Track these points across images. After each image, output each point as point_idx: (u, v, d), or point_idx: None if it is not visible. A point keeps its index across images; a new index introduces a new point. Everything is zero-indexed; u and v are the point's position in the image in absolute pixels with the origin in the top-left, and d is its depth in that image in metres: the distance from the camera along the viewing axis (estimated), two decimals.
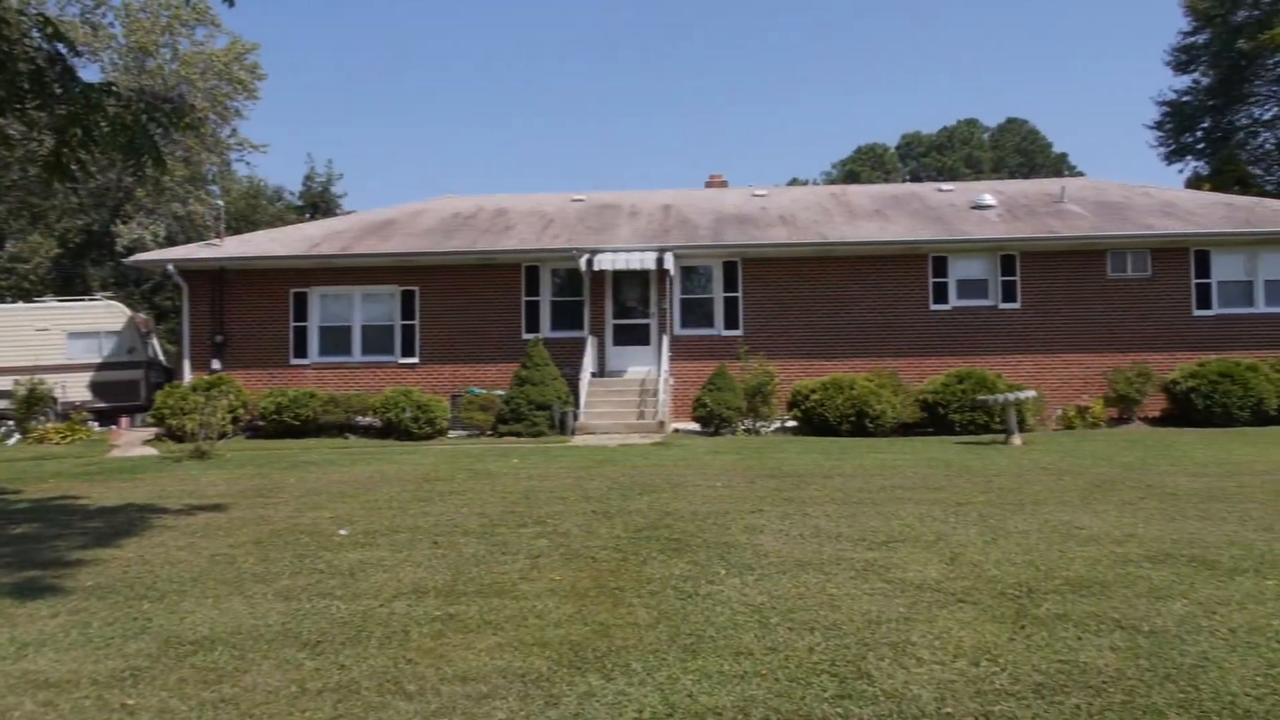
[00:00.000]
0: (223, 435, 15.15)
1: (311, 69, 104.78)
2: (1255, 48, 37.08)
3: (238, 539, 7.32)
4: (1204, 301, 18.96)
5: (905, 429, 17.09)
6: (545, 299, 19.75)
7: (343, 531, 7.50)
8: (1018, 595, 5.21)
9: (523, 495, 9.28)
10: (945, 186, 25.08)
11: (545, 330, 19.46)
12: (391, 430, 17.24)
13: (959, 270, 19.33)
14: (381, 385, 18.97)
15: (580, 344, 18.88)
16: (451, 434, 17.63)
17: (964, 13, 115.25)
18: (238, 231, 28.31)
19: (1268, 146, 40.45)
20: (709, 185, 26.32)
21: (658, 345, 19.08)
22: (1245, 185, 33.73)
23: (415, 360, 19.64)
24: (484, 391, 18.26)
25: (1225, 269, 19.06)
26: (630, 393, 18.04)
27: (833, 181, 65.36)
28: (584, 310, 19.55)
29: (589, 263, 18.49)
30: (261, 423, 17.87)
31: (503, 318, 19.68)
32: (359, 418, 17.85)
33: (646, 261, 18.44)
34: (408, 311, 19.81)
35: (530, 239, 20.01)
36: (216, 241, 21.00)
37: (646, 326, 19.61)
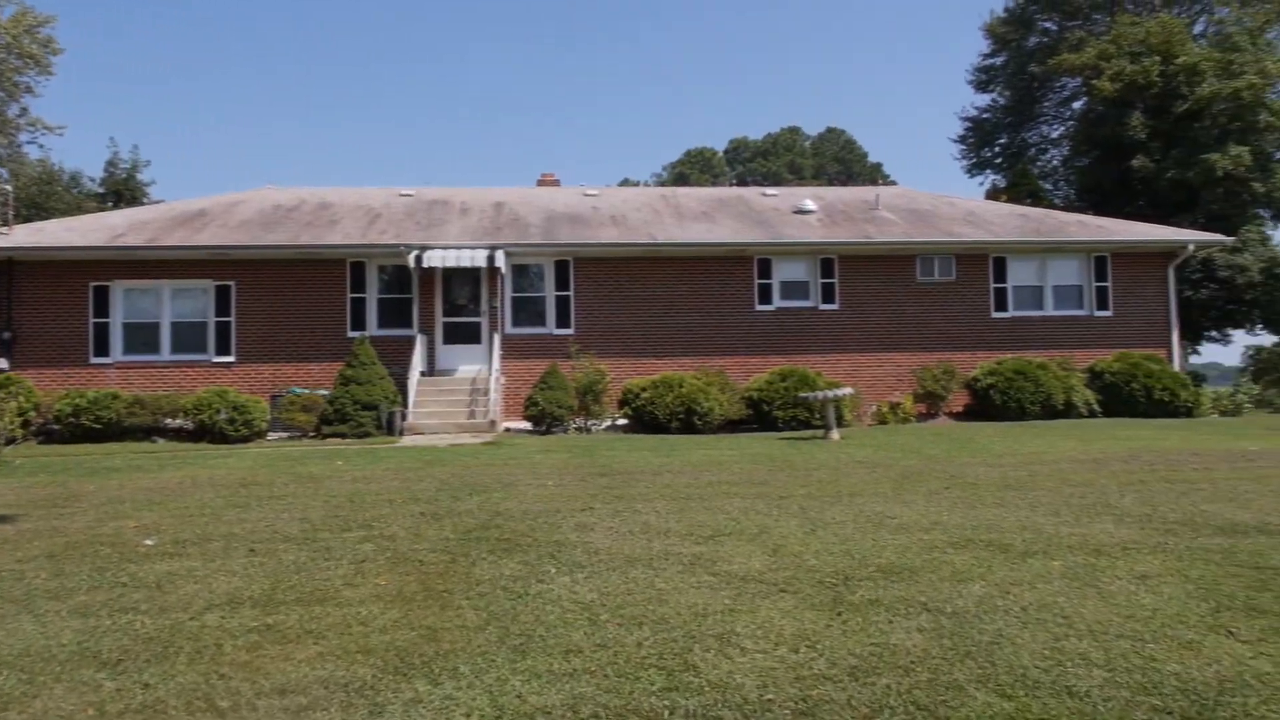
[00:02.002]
0: (11, 440, 13.92)
1: (117, 48, 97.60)
2: (1045, 71, 40.28)
3: (27, 553, 6.74)
4: (1001, 304, 20.43)
5: (732, 426, 17.59)
6: (372, 296, 19.18)
7: (149, 541, 7.03)
8: (835, 583, 5.45)
9: (347, 498, 8.98)
10: (770, 191, 25.97)
11: (372, 328, 18.90)
12: (205, 433, 16.31)
13: (782, 272, 20.06)
14: (194, 385, 17.93)
15: (409, 342, 18.44)
16: (271, 436, 16.84)
17: (789, 24, 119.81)
18: (29, 219, 26.06)
19: (1055, 163, 44.00)
20: (541, 184, 26.25)
21: (489, 344, 18.88)
22: (1036, 198, 36.55)
23: (231, 359, 18.65)
24: (307, 391, 17.54)
25: (1019, 274, 20.61)
26: (461, 392, 17.77)
27: (663, 183, 66.52)
28: (413, 308, 19.10)
29: (418, 260, 18.08)
30: (57, 427, 16.51)
31: (327, 315, 18.97)
32: (168, 420, 16.79)
33: (478, 259, 18.20)
34: (223, 308, 18.79)
35: (356, 234, 19.37)
36: (4, 230, 19.26)
37: (477, 325, 19.36)
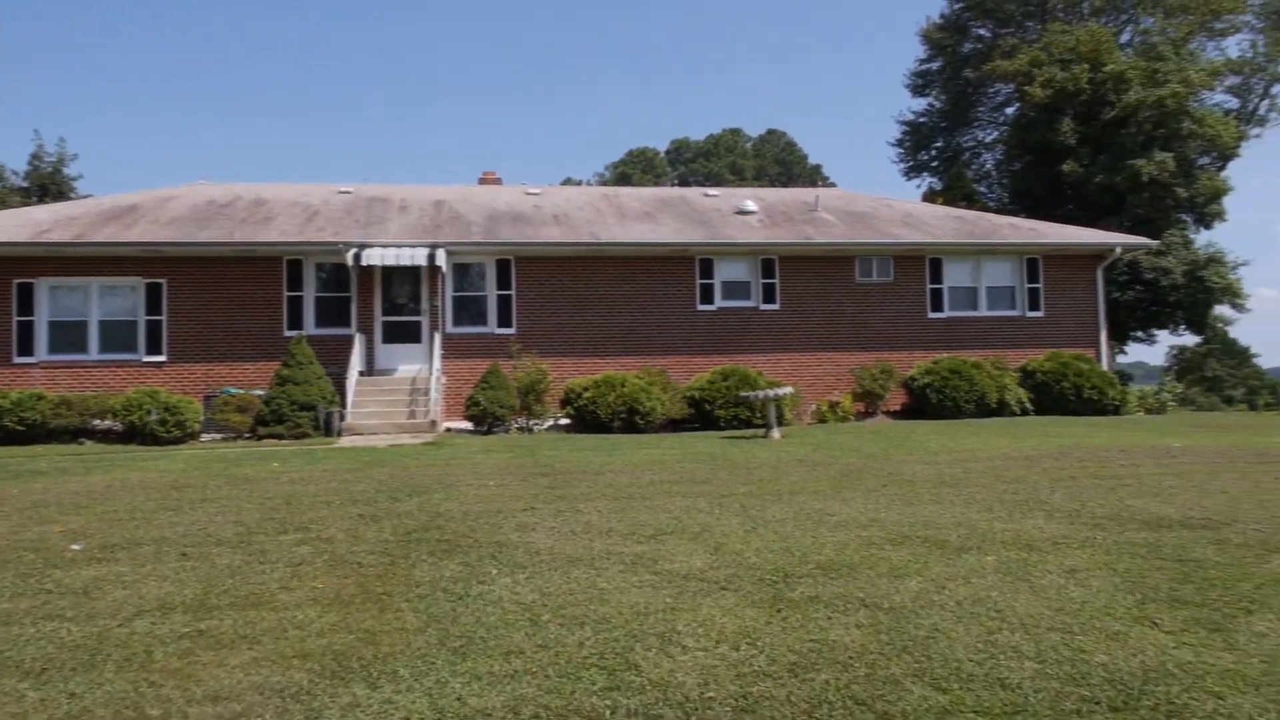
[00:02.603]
0: None
1: (42, 37, 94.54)
2: (979, 77, 41.14)
3: None
4: (937, 305, 20.82)
5: (674, 425, 17.66)
6: (309, 294, 18.87)
7: (75, 546, 6.83)
8: (775, 581, 5.51)
9: (284, 500, 8.82)
10: (711, 192, 26.12)
11: (310, 327, 18.59)
12: (135, 435, 15.88)
13: (724, 272, 20.20)
14: (124, 385, 17.45)
15: (347, 342, 18.18)
16: (205, 437, 16.47)
17: (732, 27, 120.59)
18: None
19: (989, 166, 44.96)
20: (482, 182, 26.07)
21: (429, 343, 18.69)
22: (971, 201, 37.32)
23: (163, 358, 18.20)
24: (241, 392, 17.19)
25: (955, 276, 21.02)
26: (401, 392, 17.56)
27: (605, 183, 66.53)
28: (351, 307, 18.83)
29: (357, 258, 17.83)
30: None
31: (262, 314, 18.61)
32: (97, 421, 16.32)
33: (418, 258, 18.01)
34: (154, 306, 18.32)
35: (293, 231, 19.03)
36: None
37: (418, 324, 19.16)
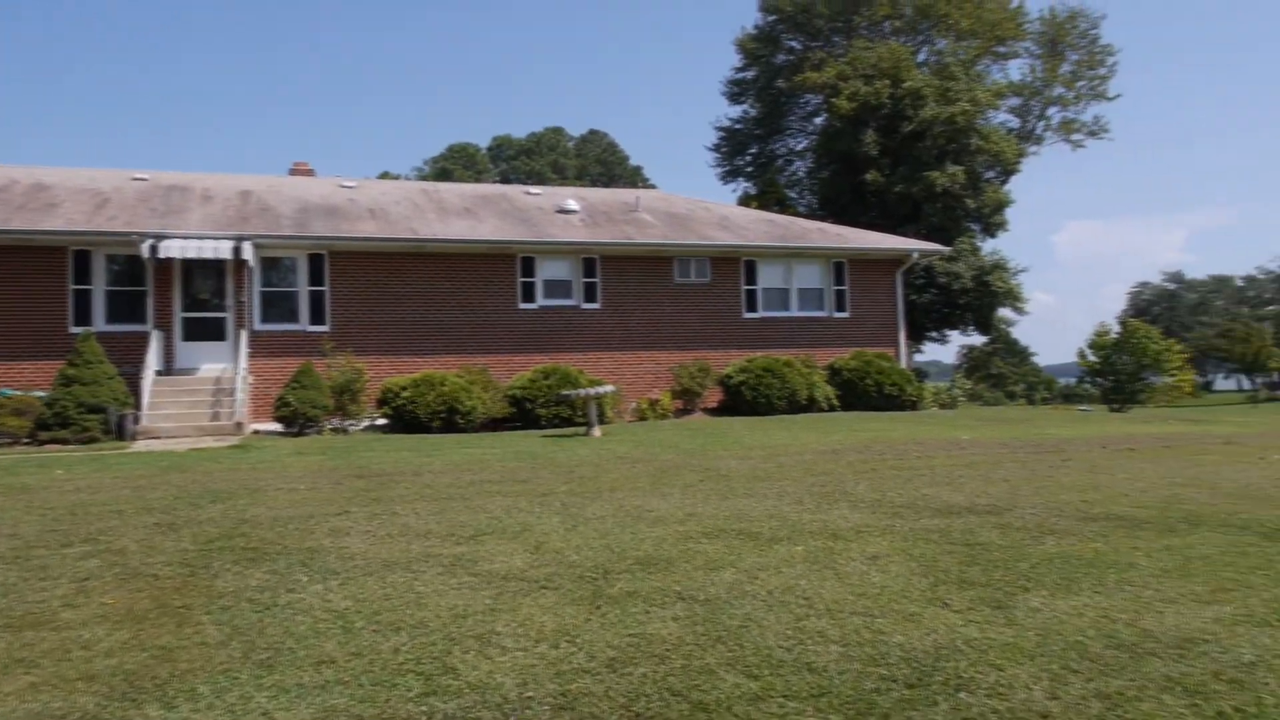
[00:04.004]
0: None
1: None
2: (790, 88, 42.92)
3: None
4: (751, 305, 21.57)
5: (495, 424, 17.50)
6: (99, 288, 17.50)
7: None
8: (594, 578, 5.55)
9: (68, 511, 8.14)
10: (533, 190, 26.06)
11: (99, 323, 17.25)
12: None
13: (546, 271, 20.18)
14: None
15: (143, 339, 16.97)
16: None
17: (551, 23, 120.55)
18: None
19: (800, 173, 47.00)
20: (293, 173, 24.97)
21: (235, 341, 17.71)
22: (783, 206, 38.93)
23: None
24: (18, 393, 15.74)
25: (768, 278, 21.84)
26: (203, 392, 16.57)
27: (424, 178, 65.09)
28: (148, 302, 17.60)
29: (153, 249, 16.67)
30: None
31: (44, 308, 17.12)
32: None
33: (222, 250, 17.03)
34: None
35: (81, 220, 17.59)
36: None
37: (222, 321, 18.13)
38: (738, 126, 47.38)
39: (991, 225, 39.26)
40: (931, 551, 6.16)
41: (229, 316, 18.14)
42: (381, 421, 17.21)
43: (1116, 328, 28.47)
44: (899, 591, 5.19)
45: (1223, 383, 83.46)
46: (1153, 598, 5.00)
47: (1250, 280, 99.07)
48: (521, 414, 17.46)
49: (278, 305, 18.57)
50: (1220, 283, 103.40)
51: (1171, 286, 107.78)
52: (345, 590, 5.35)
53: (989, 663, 4.04)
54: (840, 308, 22.24)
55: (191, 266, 17.95)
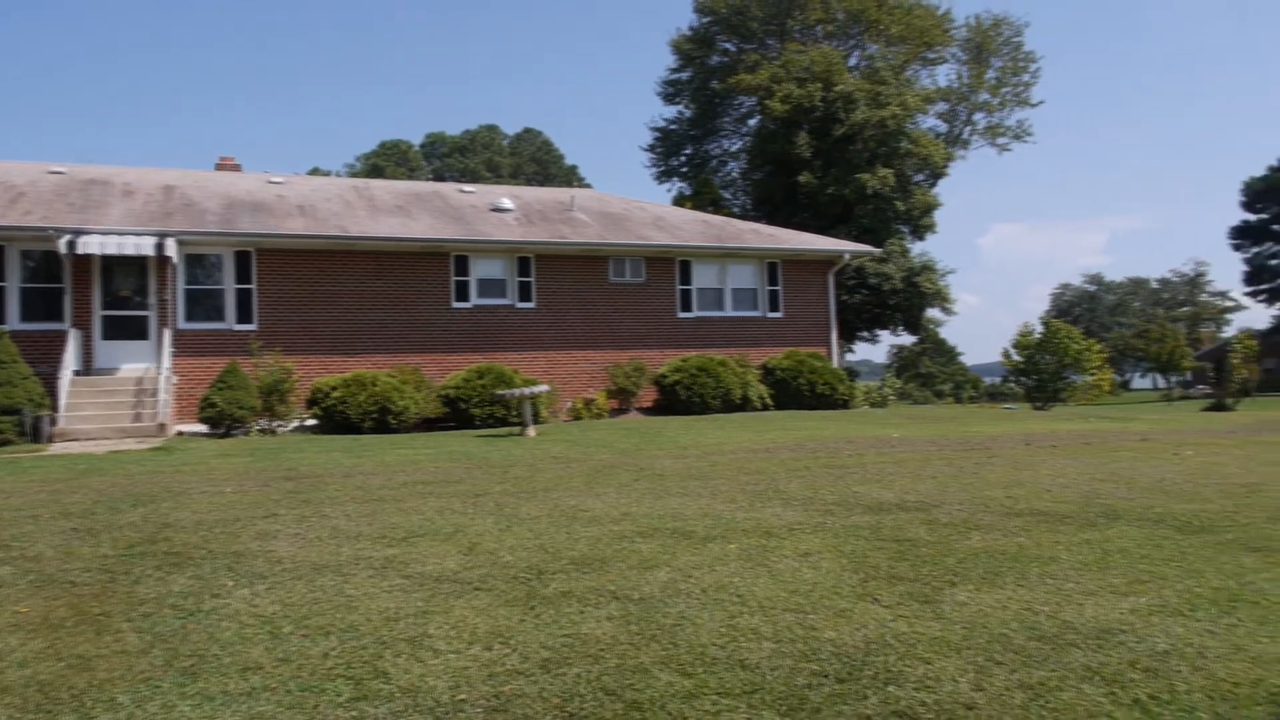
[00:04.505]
0: None
1: None
2: (725, 89, 43.23)
3: None
4: (686, 305, 21.68)
5: (428, 424, 17.31)
6: (13, 285, 16.88)
7: None
8: (528, 578, 5.52)
9: None
10: (467, 188, 25.82)
11: (13, 322, 16.63)
12: None
13: (480, 270, 20.02)
14: None
15: (60, 338, 16.41)
16: None
17: (487, 20, 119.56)
18: None
19: (734, 174, 47.40)
20: (220, 168, 24.37)
21: (158, 340, 17.23)
22: (718, 206, 39.19)
23: None
24: None
25: (703, 278, 21.97)
26: (124, 393, 16.07)
27: (355, 174, 64.09)
28: (65, 299, 17.02)
29: (71, 245, 16.12)
30: None
31: None
32: None
33: (144, 247, 16.54)
34: None
35: None
36: None
37: (144, 319, 17.61)
38: (673, 127, 47.60)
39: (920, 227, 40.07)
40: (862, 548, 6.25)
41: (151, 315, 17.62)
42: (311, 422, 16.90)
43: (1039, 328, 29.27)
44: (830, 588, 5.26)
45: (1139, 381, 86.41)
46: (1073, 590, 5.15)
47: (1165, 282, 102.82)
48: (455, 414, 17.29)
49: (203, 303, 18.10)
50: (1137, 285, 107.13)
51: (1091, 288, 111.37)
52: (273, 594, 5.24)
53: (917, 656, 4.11)
54: (774, 308, 22.46)
55: (112, 263, 17.40)
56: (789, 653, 4.18)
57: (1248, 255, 74.19)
